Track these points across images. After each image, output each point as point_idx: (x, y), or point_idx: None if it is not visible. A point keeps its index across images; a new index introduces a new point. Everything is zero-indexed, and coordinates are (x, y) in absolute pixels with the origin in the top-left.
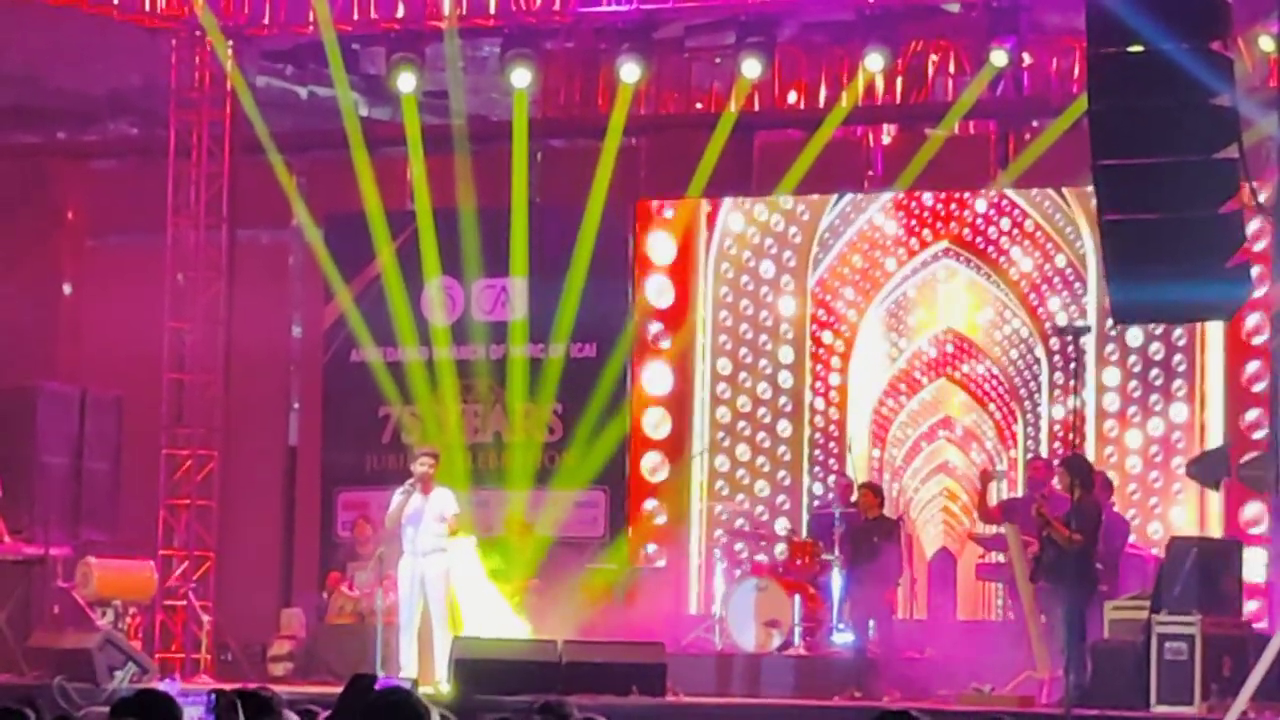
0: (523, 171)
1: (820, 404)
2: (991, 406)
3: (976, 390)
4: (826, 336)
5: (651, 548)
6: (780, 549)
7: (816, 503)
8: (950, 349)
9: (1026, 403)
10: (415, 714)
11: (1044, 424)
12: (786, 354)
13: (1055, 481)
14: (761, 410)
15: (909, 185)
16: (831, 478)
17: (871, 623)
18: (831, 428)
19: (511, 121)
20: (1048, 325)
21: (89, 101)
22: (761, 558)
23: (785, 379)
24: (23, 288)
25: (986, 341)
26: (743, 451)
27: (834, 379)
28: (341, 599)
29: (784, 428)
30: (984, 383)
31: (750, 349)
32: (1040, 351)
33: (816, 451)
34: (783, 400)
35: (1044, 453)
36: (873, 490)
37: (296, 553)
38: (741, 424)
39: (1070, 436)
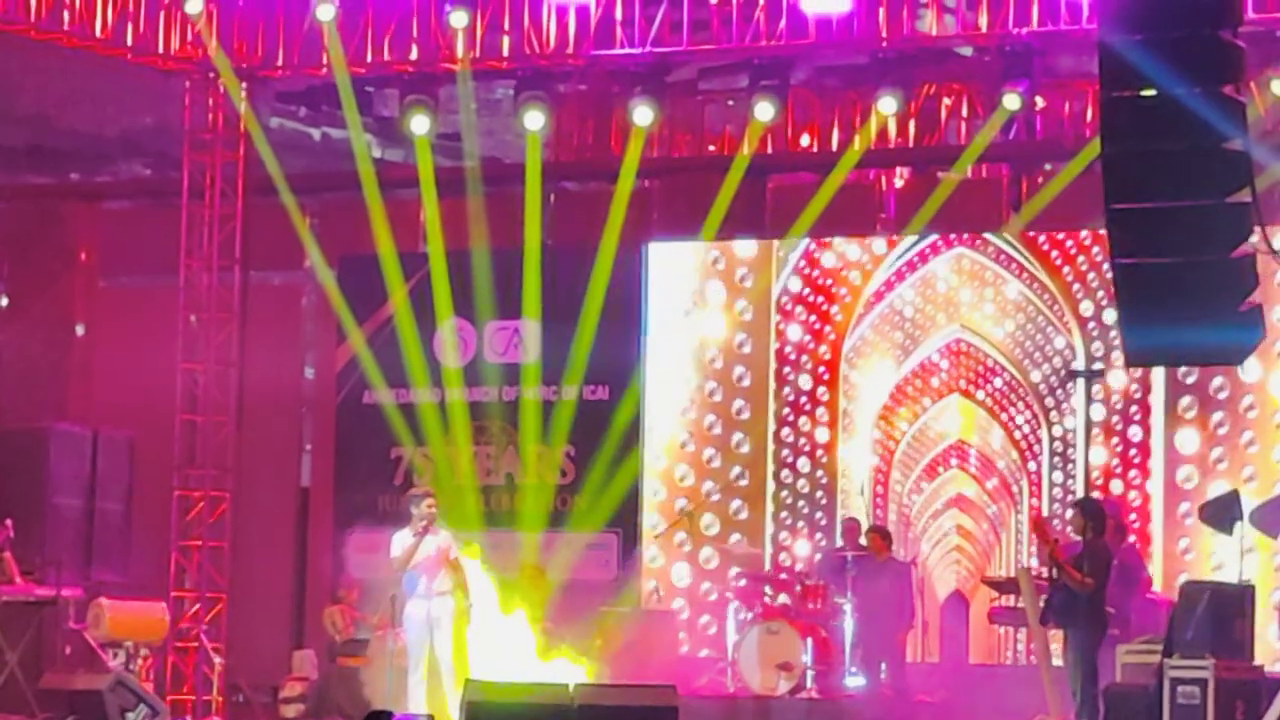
0: (536, 214)
1: (801, 441)
2: (1014, 430)
3: (995, 409)
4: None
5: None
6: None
7: (781, 538)
8: (964, 359)
9: (1057, 439)
10: None
11: (1080, 465)
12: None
13: (1069, 523)
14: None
15: (922, 228)
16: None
17: (884, 666)
18: (818, 473)
19: (524, 164)
20: (1062, 371)
21: (102, 143)
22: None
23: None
24: (35, 328)
25: (1009, 344)
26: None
27: (821, 399)
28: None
29: (738, 463)
30: (1001, 397)
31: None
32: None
33: (785, 494)
34: (737, 438)
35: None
36: (880, 534)
37: (308, 594)
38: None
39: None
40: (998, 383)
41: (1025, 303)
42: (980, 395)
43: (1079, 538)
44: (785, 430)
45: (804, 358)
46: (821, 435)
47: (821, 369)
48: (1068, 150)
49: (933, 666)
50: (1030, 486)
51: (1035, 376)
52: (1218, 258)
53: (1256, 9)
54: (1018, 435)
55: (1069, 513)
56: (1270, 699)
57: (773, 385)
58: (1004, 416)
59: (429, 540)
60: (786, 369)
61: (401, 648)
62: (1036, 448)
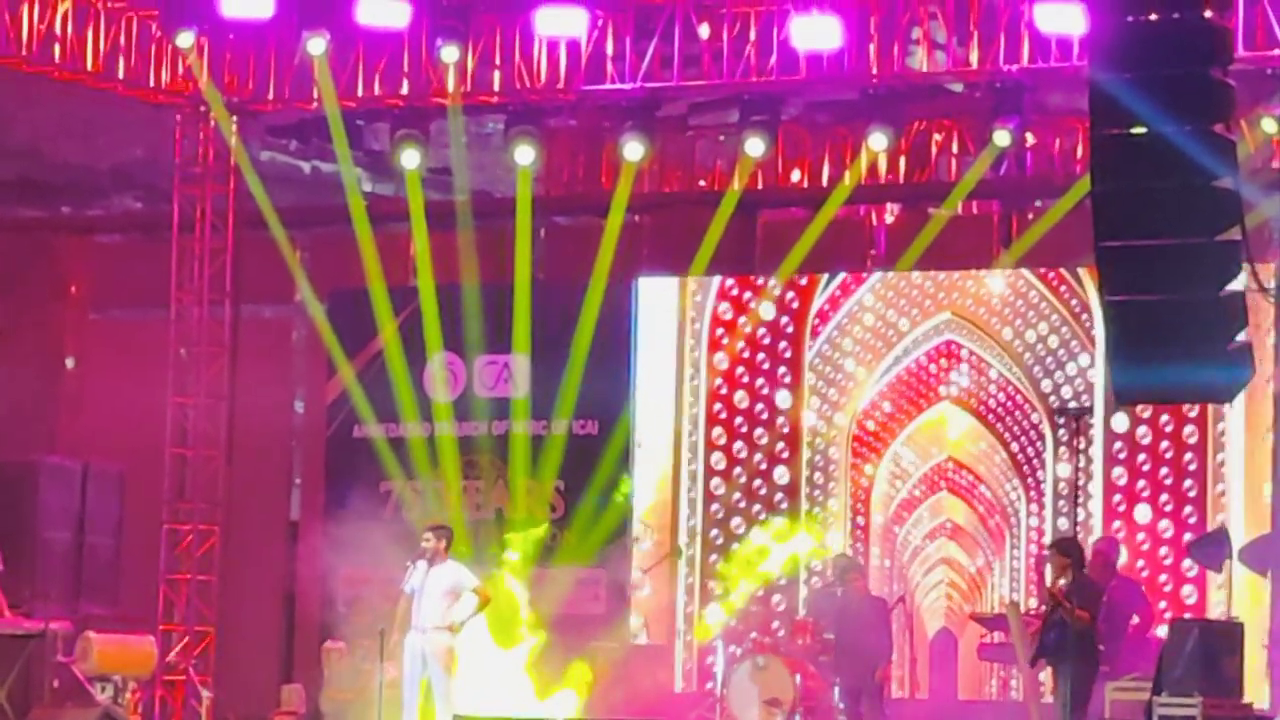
0: (526, 248)
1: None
2: (1011, 442)
3: (992, 420)
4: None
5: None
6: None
7: (817, 581)
8: (955, 363)
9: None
10: None
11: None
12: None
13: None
14: (756, 506)
15: (911, 265)
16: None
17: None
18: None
19: (515, 198)
20: (1054, 403)
21: (93, 176)
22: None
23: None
24: (25, 361)
25: (1014, 342)
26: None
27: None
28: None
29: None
30: (998, 406)
31: (745, 442)
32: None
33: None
34: (779, 496)
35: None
36: (859, 570)
37: (297, 628)
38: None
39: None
40: (993, 389)
41: (1039, 300)
42: (974, 404)
43: (1061, 580)
44: (737, 465)
45: (741, 393)
46: (781, 474)
47: (760, 405)
48: (1058, 187)
49: (922, 703)
50: (1029, 505)
51: (1045, 385)
52: (1207, 296)
53: (1246, 47)
54: (1015, 448)
55: (1047, 554)
56: None
57: (703, 426)
58: (999, 426)
59: (420, 572)
60: (719, 406)
61: (391, 681)
62: (1037, 462)
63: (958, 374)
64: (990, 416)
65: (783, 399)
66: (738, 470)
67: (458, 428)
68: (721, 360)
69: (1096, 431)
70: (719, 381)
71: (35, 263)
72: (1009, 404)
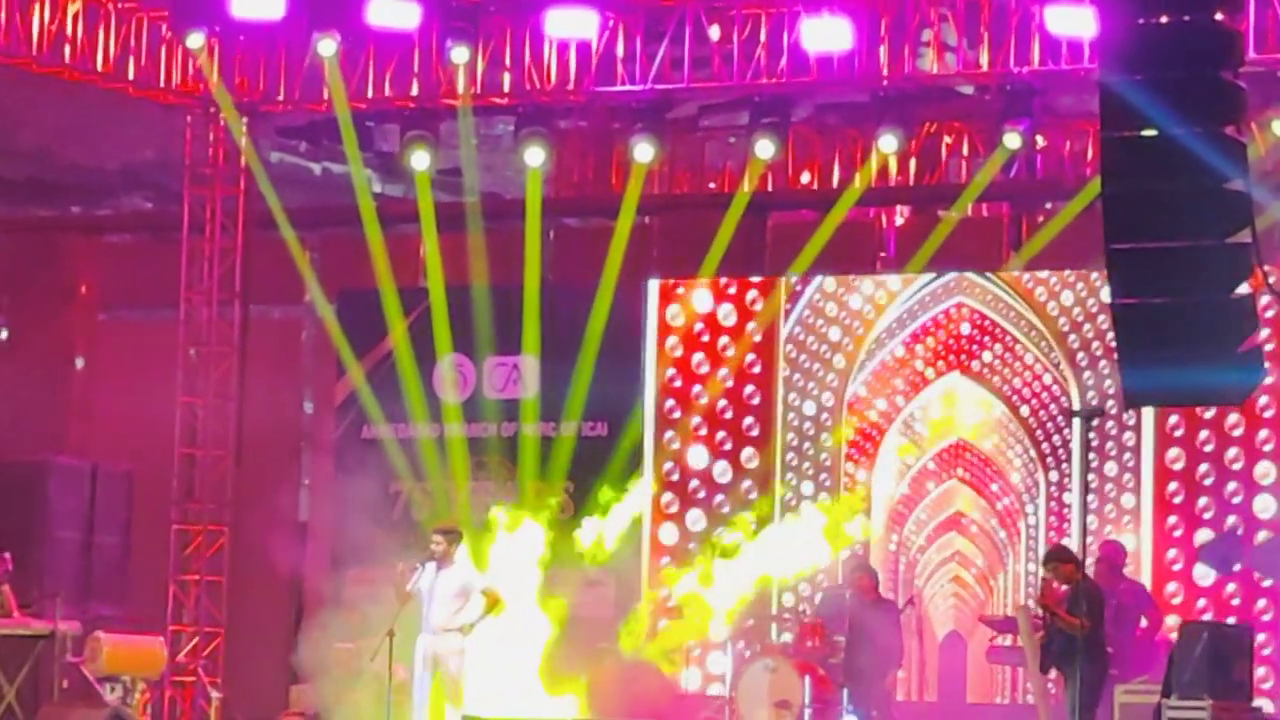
0: (536, 250)
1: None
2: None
3: (1008, 393)
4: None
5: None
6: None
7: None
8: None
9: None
10: None
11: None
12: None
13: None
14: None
15: (922, 267)
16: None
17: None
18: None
19: (525, 199)
20: (1066, 406)
21: (103, 176)
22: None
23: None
24: (34, 362)
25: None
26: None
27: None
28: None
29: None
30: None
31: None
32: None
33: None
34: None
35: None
36: (868, 573)
37: (306, 629)
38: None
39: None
40: (1009, 357)
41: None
42: (988, 374)
43: (1063, 587)
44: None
45: (697, 419)
46: (753, 483)
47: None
48: (1068, 189)
49: (931, 705)
50: (1049, 488)
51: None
52: (1217, 298)
53: (1257, 49)
54: (1032, 422)
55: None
56: None
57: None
58: (1015, 400)
59: (430, 574)
60: (670, 435)
61: (399, 683)
62: (1058, 439)
63: (969, 342)
64: (1006, 388)
65: (749, 425)
66: (694, 514)
67: (467, 429)
68: (675, 379)
69: (1146, 431)
70: (671, 404)
71: (44, 263)
72: (1026, 375)
